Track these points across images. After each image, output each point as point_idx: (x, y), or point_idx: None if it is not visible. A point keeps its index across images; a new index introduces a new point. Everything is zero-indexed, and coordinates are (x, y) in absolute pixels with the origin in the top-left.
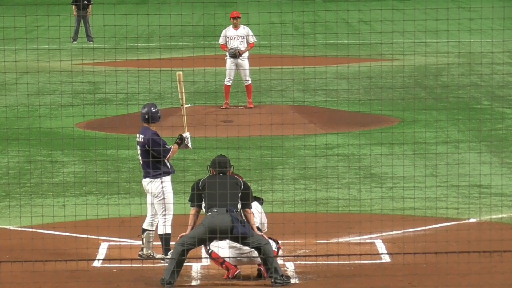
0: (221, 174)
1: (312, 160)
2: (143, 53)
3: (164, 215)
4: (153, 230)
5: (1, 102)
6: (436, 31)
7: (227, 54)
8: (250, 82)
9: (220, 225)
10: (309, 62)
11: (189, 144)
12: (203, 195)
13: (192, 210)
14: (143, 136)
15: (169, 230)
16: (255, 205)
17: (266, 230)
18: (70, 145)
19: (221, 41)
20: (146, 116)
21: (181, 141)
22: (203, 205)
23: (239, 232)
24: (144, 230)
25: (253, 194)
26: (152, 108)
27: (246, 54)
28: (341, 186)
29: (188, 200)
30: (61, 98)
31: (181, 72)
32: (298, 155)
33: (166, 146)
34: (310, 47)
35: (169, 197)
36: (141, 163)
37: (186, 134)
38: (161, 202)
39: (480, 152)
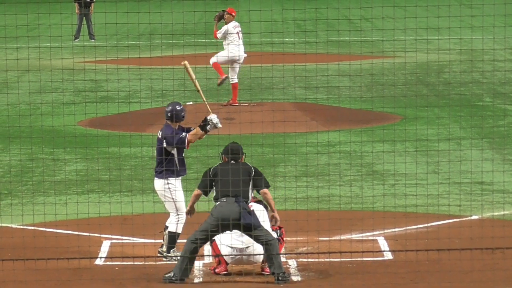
0: (233, 161)
1: (314, 157)
2: (144, 51)
3: (178, 214)
4: None
5: (3, 100)
6: (438, 28)
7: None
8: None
9: (228, 215)
10: (311, 60)
11: (218, 124)
12: (214, 182)
13: (196, 191)
14: (162, 133)
15: (180, 230)
16: (257, 206)
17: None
18: (72, 143)
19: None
20: (169, 114)
21: (204, 123)
22: (210, 192)
23: (246, 222)
24: (167, 227)
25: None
26: (177, 107)
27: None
28: (343, 183)
29: (198, 186)
30: (63, 96)
31: (186, 61)
32: (300, 153)
33: (179, 135)
34: (312, 45)
35: (178, 196)
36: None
37: (211, 116)
38: (169, 201)
39: (482, 149)
